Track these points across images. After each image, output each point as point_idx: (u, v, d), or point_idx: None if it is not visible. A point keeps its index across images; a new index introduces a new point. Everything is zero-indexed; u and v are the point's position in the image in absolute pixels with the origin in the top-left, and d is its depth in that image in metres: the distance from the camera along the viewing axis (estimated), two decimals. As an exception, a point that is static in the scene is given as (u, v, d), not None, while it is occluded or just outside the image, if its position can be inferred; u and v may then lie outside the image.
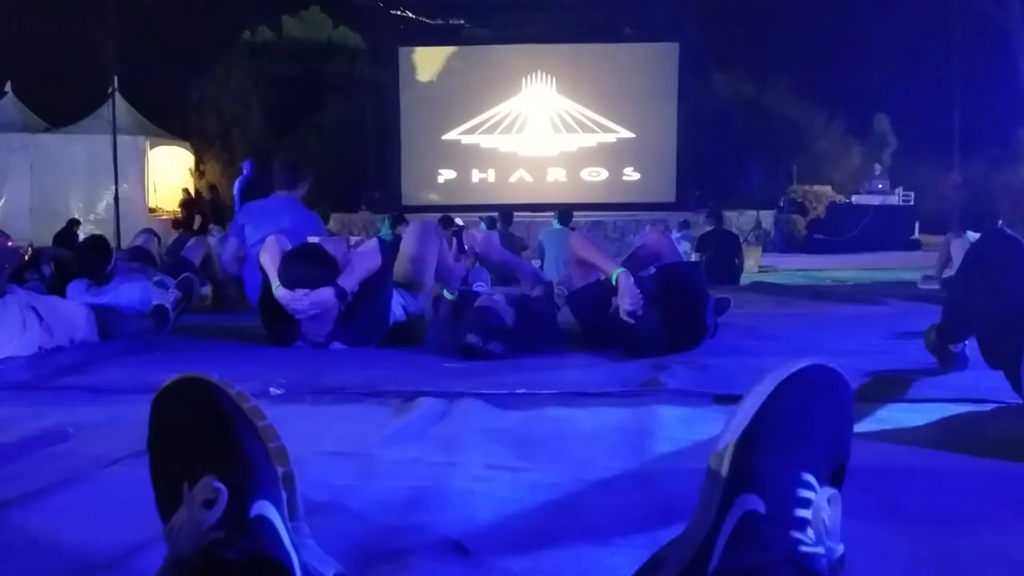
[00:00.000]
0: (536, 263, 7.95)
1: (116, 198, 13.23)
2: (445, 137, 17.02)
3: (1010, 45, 15.89)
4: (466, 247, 3.83)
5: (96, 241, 4.46)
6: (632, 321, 3.06)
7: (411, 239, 3.90)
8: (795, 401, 0.89)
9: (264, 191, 5.29)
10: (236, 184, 13.37)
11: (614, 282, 3.16)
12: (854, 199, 15.13)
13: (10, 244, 4.98)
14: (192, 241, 6.01)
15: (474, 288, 3.50)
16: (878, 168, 15.76)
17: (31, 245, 7.52)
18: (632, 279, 3.14)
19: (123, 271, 4.17)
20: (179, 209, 16.26)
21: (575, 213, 10.88)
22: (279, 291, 3.33)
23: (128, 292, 3.94)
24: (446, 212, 10.88)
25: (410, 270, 3.79)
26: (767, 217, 15.52)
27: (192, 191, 16.93)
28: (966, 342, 2.58)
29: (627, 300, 3.07)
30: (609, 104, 16.75)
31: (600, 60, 16.88)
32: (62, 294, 3.93)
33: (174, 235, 9.59)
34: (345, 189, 16.38)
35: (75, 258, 4.39)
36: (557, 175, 17.05)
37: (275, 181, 4.93)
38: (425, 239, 3.86)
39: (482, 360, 2.97)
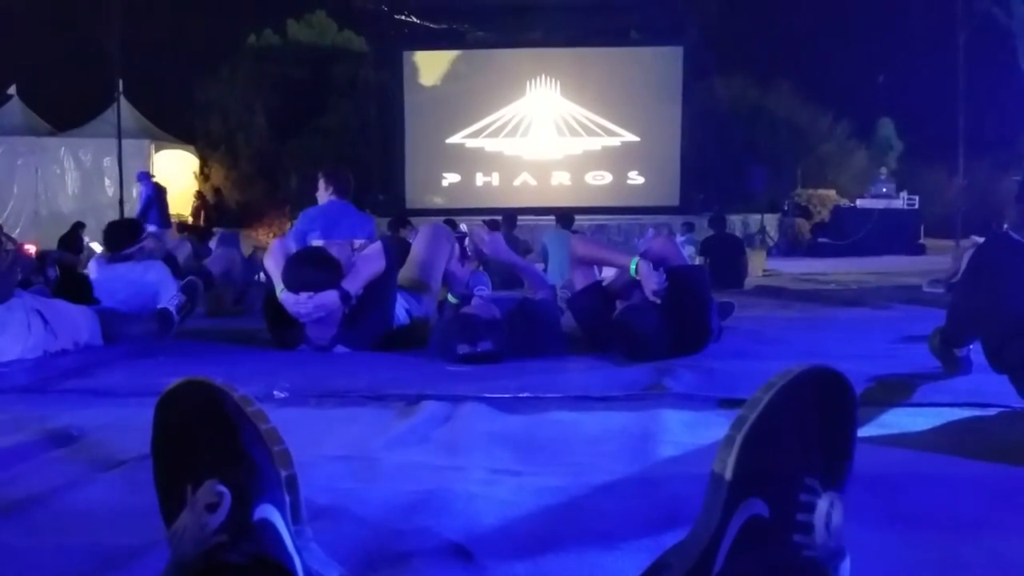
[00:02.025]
0: (540, 266, 7.95)
1: (121, 201, 13.26)
2: (449, 141, 17.04)
3: (1014, 48, 15.87)
4: (470, 251, 3.82)
5: (128, 220, 4.59)
6: (658, 301, 3.08)
7: (422, 243, 3.90)
8: (799, 405, 0.88)
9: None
10: (143, 200, 13.26)
11: (633, 272, 3.18)
12: (858, 203, 15.12)
13: (25, 248, 5.01)
14: (216, 252, 6.05)
15: (475, 292, 3.50)
16: (884, 172, 15.75)
17: (35, 247, 7.54)
18: (650, 264, 3.16)
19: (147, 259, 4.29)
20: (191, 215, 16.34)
21: (580, 217, 10.88)
22: (283, 294, 3.33)
23: (144, 269, 4.04)
24: (450, 216, 10.88)
25: (418, 274, 3.79)
26: (771, 221, 15.53)
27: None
28: (971, 346, 2.58)
29: (652, 282, 3.12)
30: (613, 108, 16.75)
31: (604, 64, 16.89)
32: (67, 297, 3.93)
33: (176, 238, 9.59)
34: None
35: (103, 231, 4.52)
36: (561, 179, 17.06)
37: (327, 188, 5.29)
38: (436, 243, 3.86)
39: (482, 363, 2.97)
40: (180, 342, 3.75)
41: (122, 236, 4.25)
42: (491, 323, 3.12)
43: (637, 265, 3.19)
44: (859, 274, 9.43)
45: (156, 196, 13.05)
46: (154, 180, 13.44)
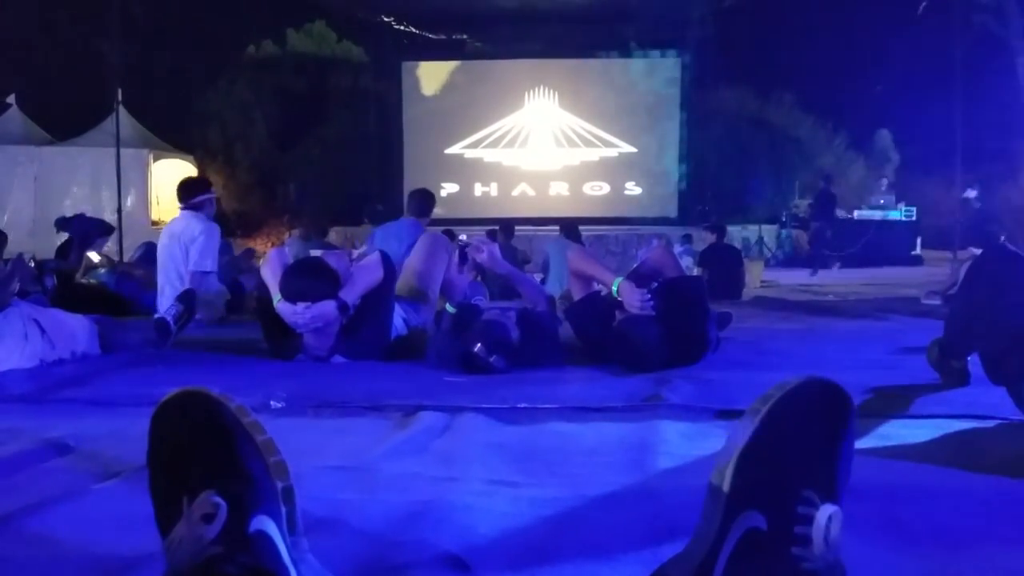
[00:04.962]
0: (540, 276, 7.96)
1: (119, 211, 13.24)
2: (448, 151, 17.08)
3: (1012, 60, 15.93)
4: (469, 259, 3.82)
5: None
6: (647, 312, 3.09)
7: (420, 253, 3.89)
8: (797, 417, 0.88)
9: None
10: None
11: (615, 292, 3.18)
12: (856, 214, 15.13)
13: (25, 256, 4.98)
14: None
15: (472, 302, 3.50)
16: (884, 182, 15.78)
17: (33, 257, 7.53)
18: (633, 284, 3.16)
19: None
20: None
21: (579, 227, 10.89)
22: (280, 304, 3.33)
23: None
24: (448, 226, 10.89)
25: (415, 283, 3.79)
26: (769, 232, 15.54)
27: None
28: (969, 358, 2.57)
29: (635, 301, 3.11)
30: (611, 119, 16.81)
31: (602, 75, 16.96)
32: (64, 306, 3.92)
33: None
34: (348, 202, 16.44)
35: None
36: (559, 189, 17.10)
37: (408, 207, 5.68)
38: (434, 253, 3.86)
39: (483, 374, 2.96)
40: (177, 352, 3.75)
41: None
42: (511, 345, 3.11)
43: (619, 286, 3.20)
44: (857, 285, 9.44)
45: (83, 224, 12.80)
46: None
